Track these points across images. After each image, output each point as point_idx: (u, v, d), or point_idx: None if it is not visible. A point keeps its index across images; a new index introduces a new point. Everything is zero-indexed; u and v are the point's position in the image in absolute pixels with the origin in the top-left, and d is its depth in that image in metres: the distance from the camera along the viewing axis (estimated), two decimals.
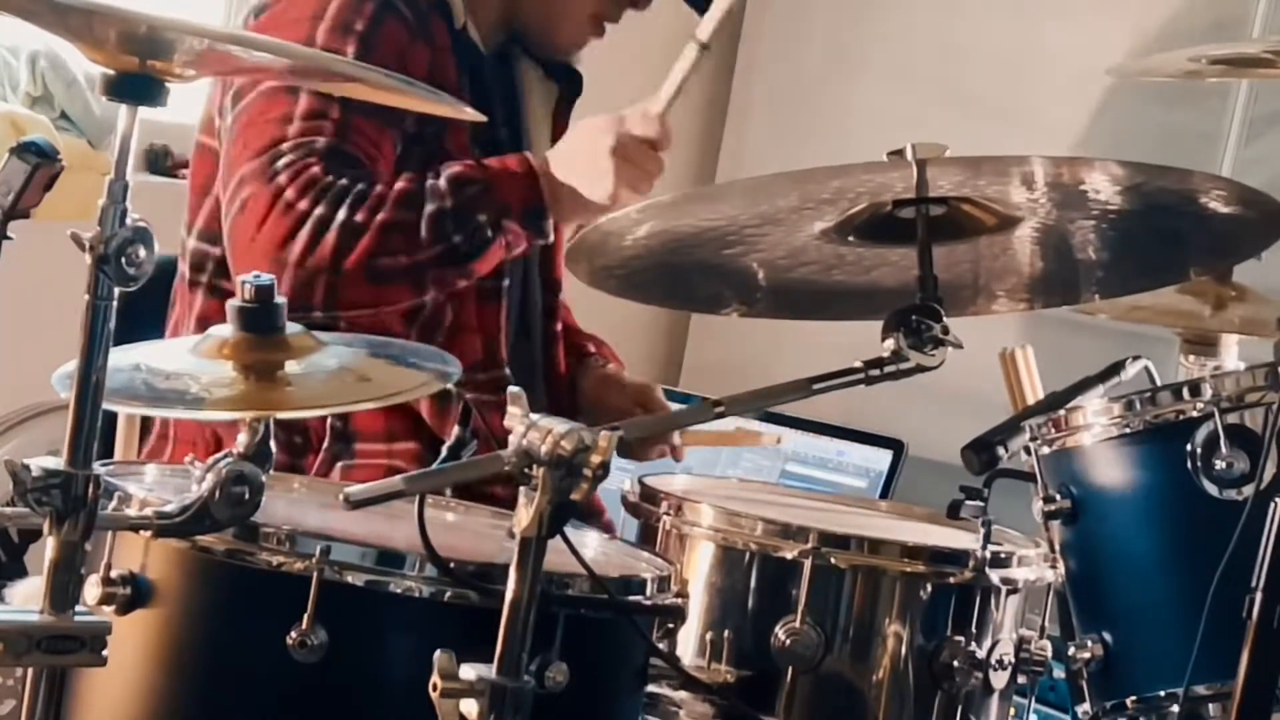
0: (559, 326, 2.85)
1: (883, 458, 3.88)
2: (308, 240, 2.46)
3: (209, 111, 2.67)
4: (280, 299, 1.96)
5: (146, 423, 2.71)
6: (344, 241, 2.46)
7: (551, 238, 2.59)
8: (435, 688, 1.71)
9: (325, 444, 2.61)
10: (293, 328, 1.97)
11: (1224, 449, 2.22)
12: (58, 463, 1.68)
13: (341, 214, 2.46)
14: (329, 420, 2.60)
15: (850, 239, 2.06)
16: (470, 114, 2.09)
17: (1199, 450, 2.23)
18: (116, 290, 1.68)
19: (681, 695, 2.16)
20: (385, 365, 2.03)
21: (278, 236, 2.46)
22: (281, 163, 2.49)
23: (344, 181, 2.48)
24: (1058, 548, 2.35)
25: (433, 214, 2.49)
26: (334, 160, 2.49)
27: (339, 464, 2.61)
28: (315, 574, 1.85)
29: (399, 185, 2.50)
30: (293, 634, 1.84)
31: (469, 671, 1.71)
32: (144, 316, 2.69)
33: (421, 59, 2.59)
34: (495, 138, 2.67)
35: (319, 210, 2.46)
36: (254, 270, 2.45)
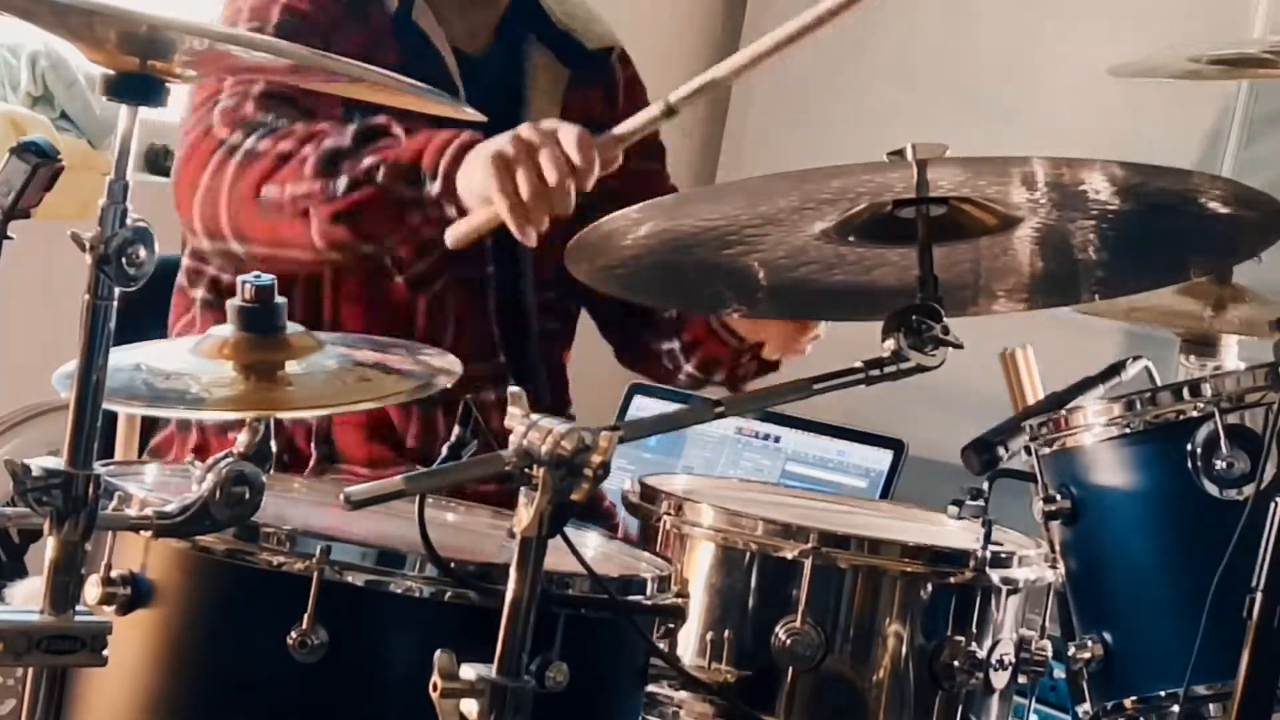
0: (559, 325, 2.80)
1: (883, 458, 3.88)
2: (217, 163, 2.45)
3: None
4: (280, 299, 1.96)
5: (148, 422, 2.71)
6: (243, 165, 2.44)
7: (434, 194, 2.38)
8: (435, 688, 1.71)
9: (310, 465, 2.60)
10: (293, 328, 1.97)
11: (1224, 449, 2.22)
12: (58, 463, 1.68)
13: (250, 141, 2.44)
14: (312, 444, 2.59)
15: (850, 239, 2.06)
16: (470, 114, 2.08)
17: (1199, 450, 2.24)
18: (116, 290, 1.68)
19: (681, 695, 2.16)
20: (385, 366, 2.03)
21: (198, 164, 2.47)
22: (218, 107, 2.49)
23: (270, 116, 2.46)
24: (1058, 548, 2.35)
25: (327, 149, 2.41)
26: (269, 100, 2.48)
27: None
28: (315, 574, 1.85)
29: (316, 125, 2.46)
30: (293, 634, 1.84)
31: (469, 671, 1.71)
32: (143, 317, 2.70)
33: (355, 40, 2.56)
34: (489, 128, 2.63)
35: (234, 137, 2.45)
36: (185, 204, 2.46)
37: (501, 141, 2.34)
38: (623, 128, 2.40)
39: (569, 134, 2.32)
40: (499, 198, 2.30)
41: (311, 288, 2.59)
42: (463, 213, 2.39)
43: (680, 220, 2.08)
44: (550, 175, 2.29)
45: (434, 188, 2.37)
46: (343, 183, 2.39)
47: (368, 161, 2.39)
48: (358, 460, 2.59)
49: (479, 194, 2.33)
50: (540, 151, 2.31)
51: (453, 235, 2.39)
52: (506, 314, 2.71)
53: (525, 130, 2.34)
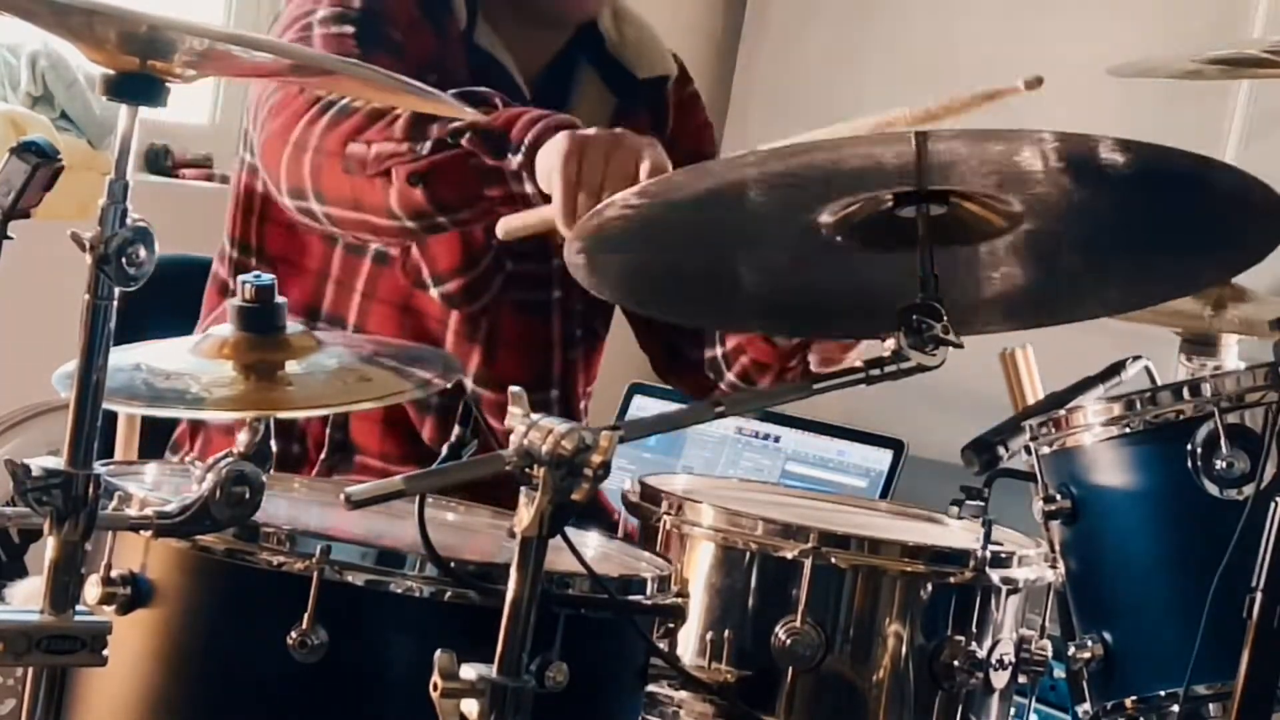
0: (579, 354, 2.76)
1: (883, 458, 3.88)
2: (311, 118, 2.41)
3: (246, 126, 2.65)
4: (280, 299, 1.96)
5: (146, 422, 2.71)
6: (335, 119, 2.39)
7: (514, 166, 2.33)
8: (435, 688, 1.71)
9: (323, 455, 2.60)
10: (293, 327, 1.97)
11: (1224, 449, 2.22)
12: (58, 463, 1.68)
13: (345, 99, 2.40)
14: (328, 431, 2.59)
15: (850, 240, 2.05)
16: (470, 114, 2.08)
17: (1199, 450, 2.24)
18: (116, 290, 1.68)
19: (681, 695, 2.16)
20: (385, 365, 2.04)
21: (291, 117, 2.43)
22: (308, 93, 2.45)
23: None
24: (1058, 548, 2.35)
25: (418, 112, 2.34)
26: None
27: (335, 476, 2.59)
28: (315, 574, 1.85)
29: None
30: (293, 634, 1.84)
31: (469, 671, 1.71)
32: (143, 316, 2.70)
33: (429, 43, 2.57)
34: None
35: (329, 95, 2.41)
36: (273, 159, 2.39)
37: (589, 131, 2.30)
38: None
39: (651, 155, 2.26)
40: (558, 175, 2.24)
41: (345, 286, 2.59)
42: (540, 194, 2.31)
43: (677, 221, 2.07)
44: (611, 184, 2.22)
45: (516, 160, 2.31)
46: (428, 145, 2.33)
47: (457, 124, 2.32)
48: (372, 452, 2.60)
49: (547, 171, 2.27)
50: (615, 157, 2.24)
51: (504, 227, 2.33)
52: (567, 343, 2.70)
53: (618, 132, 2.30)
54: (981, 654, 2.20)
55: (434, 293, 2.60)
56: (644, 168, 2.24)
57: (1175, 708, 2.24)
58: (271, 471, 1.84)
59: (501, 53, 2.65)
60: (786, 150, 1.88)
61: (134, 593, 1.89)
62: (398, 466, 2.56)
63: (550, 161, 2.26)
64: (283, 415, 2.25)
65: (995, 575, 2.21)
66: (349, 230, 2.44)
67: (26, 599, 2.31)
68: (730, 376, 2.74)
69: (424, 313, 2.61)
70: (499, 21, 2.67)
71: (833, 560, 2.17)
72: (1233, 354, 2.76)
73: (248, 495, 1.80)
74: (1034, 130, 1.87)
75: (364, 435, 2.60)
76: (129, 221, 1.67)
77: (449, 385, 1.99)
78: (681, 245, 2.07)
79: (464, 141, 2.32)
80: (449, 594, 1.87)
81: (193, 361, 1.93)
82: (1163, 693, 2.26)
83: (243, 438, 1.83)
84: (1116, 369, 2.48)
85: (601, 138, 2.26)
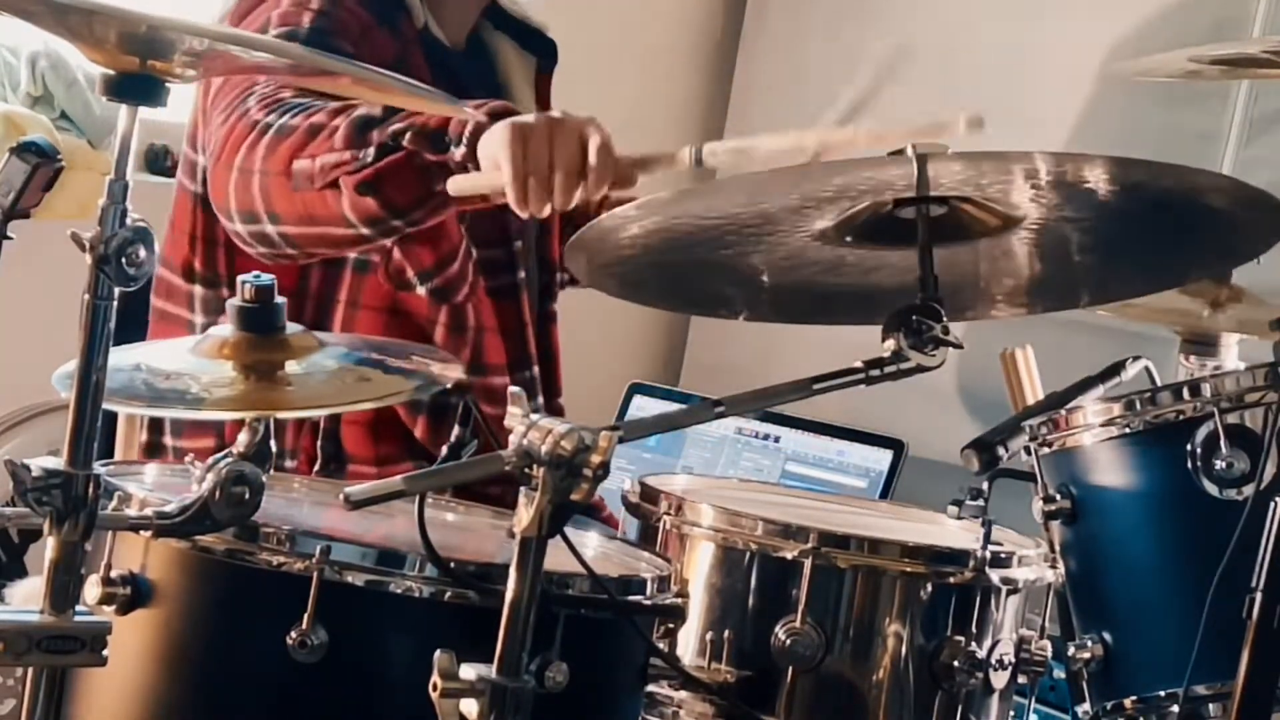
0: (555, 306, 2.83)
1: (883, 458, 3.88)
2: (251, 142, 2.42)
3: (185, 152, 2.67)
4: (280, 299, 1.96)
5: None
6: (275, 139, 2.41)
7: (458, 159, 2.34)
8: (435, 688, 1.71)
9: (316, 467, 2.60)
10: (293, 328, 1.97)
11: (1224, 449, 2.22)
12: (58, 463, 1.68)
13: (284, 118, 2.42)
14: (319, 444, 2.59)
15: (850, 241, 2.06)
16: (469, 112, 2.08)
17: (1199, 450, 2.24)
18: (116, 290, 1.68)
19: (681, 695, 2.16)
20: (385, 365, 2.03)
21: (234, 146, 2.44)
22: (254, 95, 2.46)
23: (306, 99, 2.43)
24: (1058, 548, 2.35)
25: (358, 118, 2.37)
26: (305, 94, 2.45)
27: None
28: (315, 574, 1.85)
29: (350, 100, 2.40)
30: (293, 634, 1.84)
31: (469, 671, 1.71)
32: (143, 316, 2.70)
33: (387, 46, 2.59)
34: None
35: (268, 117, 2.43)
36: (220, 188, 2.39)
37: (529, 116, 2.32)
38: (647, 155, 2.36)
39: (595, 137, 2.29)
40: (505, 163, 2.27)
41: (325, 298, 2.59)
42: None
43: (678, 218, 2.08)
44: (560, 164, 2.27)
45: (459, 151, 2.33)
46: (371, 151, 2.35)
47: (395, 127, 2.34)
48: (366, 459, 2.60)
49: (492, 157, 2.30)
50: (559, 139, 2.28)
51: (454, 185, 2.35)
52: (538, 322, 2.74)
53: (556, 115, 2.32)
54: (981, 654, 2.20)
55: (421, 290, 2.61)
56: (592, 145, 2.27)
57: (1175, 708, 2.24)
58: (271, 471, 1.84)
59: (439, 33, 2.69)
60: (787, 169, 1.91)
61: (134, 593, 1.89)
62: (394, 468, 2.57)
63: (493, 150, 2.29)
64: (283, 415, 2.26)
65: (995, 575, 2.21)
66: (307, 246, 2.45)
67: (26, 599, 2.31)
68: None
69: (411, 312, 2.62)
70: (434, 7, 2.71)
71: (833, 560, 2.17)
72: (1233, 354, 2.76)
73: (248, 495, 1.80)
74: (1026, 152, 1.89)
75: (355, 443, 2.60)
76: (129, 221, 1.67)
77: (449, 384, 1.99)
78: (682, 245, 2.07)
79: (405, 142, 2.34)
80: (449, 594, 1.87)
81: (193, 361, 1.93)
82: (1163, 693, 2.26)
83: (243, 438, 1.83)
84: (1116, 369, 2.48)
85: (541, 122, 2.29)
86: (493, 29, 2.82)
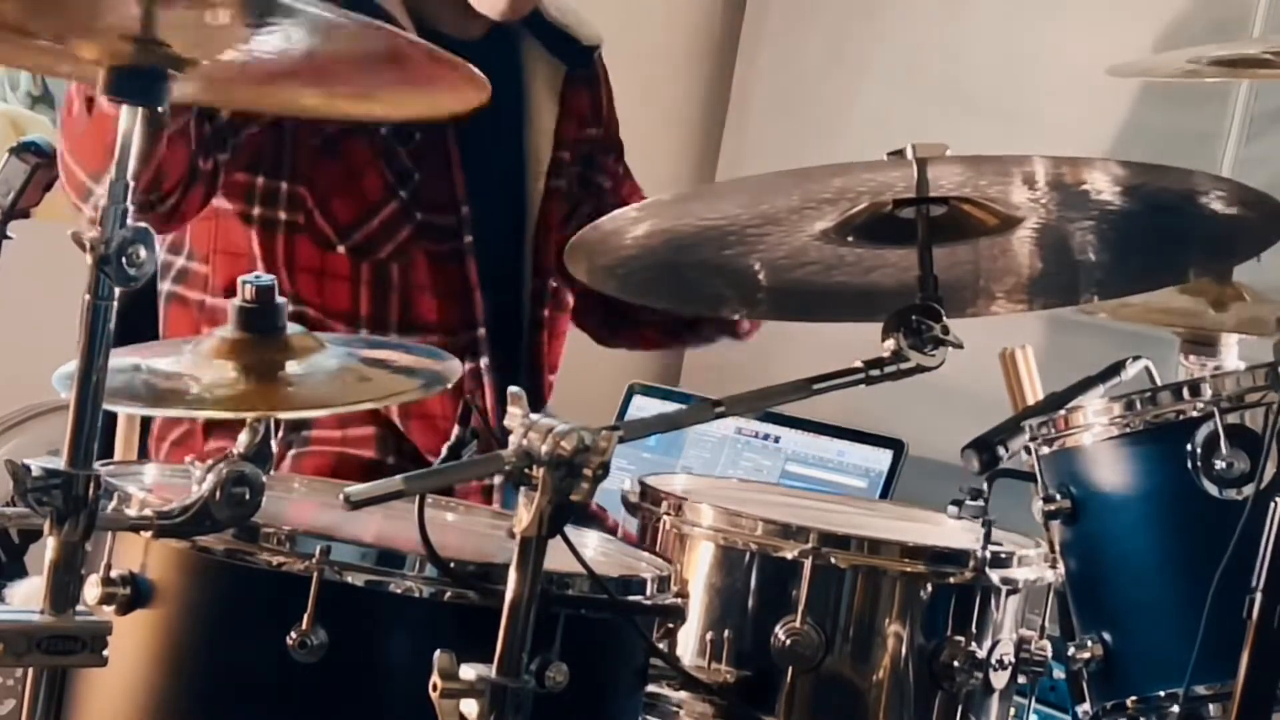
0: (546, 313, 2.83)
1: (883, 458, 3.88)
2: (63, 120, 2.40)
3: None
4: (281, 299, 1.96)
5: (147, 422, 2.72)
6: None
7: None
8: (435, 688, 1.71)
9: (280, 434, 2.61)
10: (293, 328, 1.97)
11: (1224, 449, 2.22)
12: (58, 463, 1.68)
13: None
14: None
15: (850, 240, 2.06)
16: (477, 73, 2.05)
17: (1199, 450, 2.24)
18: (116, 290, 1.68)
19: (681, 695, 2.16)
20: (385, 365, 2.04)
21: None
22: None
23: None
24: (1058, 548, 2.35)
25: None
26: None
27: (291, 452, 2.62)
28: (315, 574, 1.85)
29: None
30: (293, 634, 1.84)
31: (469, 671, 1.71)
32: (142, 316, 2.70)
33: None
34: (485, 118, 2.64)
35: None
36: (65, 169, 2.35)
37: None
38: None
39: None
40: None
41: (268, 264, 2.64)
42: None
43: (680, 220, 2.08)
44: None
45: None
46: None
47: None
48: (329, 423, 2.64)
49: None
50: None
51: None
52: (495, 289, 2.74)
53: None
54: (981, 654, 2.20)
55: (340, 249, 2.66)
56: None
57: (1175, 708, 2.24)
58: (272, 471, 1.84)
59: (400, 10, 2.70)
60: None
61: (134, 593, 1.89)
62: (356, 430, 2.63)
63: None
64: (283, 416, 2.26)
65: (995, 575, 2.21)
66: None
67: (26, 599, 2.31)
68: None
69: (336, 274, 2.66)
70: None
71: (833, 560, 2.17)
72: (1233, 354, 2.76)
73: (248, 495, 1.80)
74: (1024, 156, 1.89)
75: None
76: (129, 221, 1.67)
77: (449, 385, 1.99)
78: (682, 245, 2.08)
79: None
80: (449, 594, 1.87)
81: (193, 361, 1.93)
82: (1163, 693, 2.26)
83: (243, 438, 1.83)
84: (1116, 369, 2.48)
85: None
86: (526, 32, 2.82)
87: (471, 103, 1.84)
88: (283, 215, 2.65)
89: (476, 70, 1.80)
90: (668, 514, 2.25)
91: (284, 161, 2.65)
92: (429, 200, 2.69)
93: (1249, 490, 2.18)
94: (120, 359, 1.84)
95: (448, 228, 2.71)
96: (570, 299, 2.89)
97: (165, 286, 2.73)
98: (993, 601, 2.22)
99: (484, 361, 2.70)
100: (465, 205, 2.71)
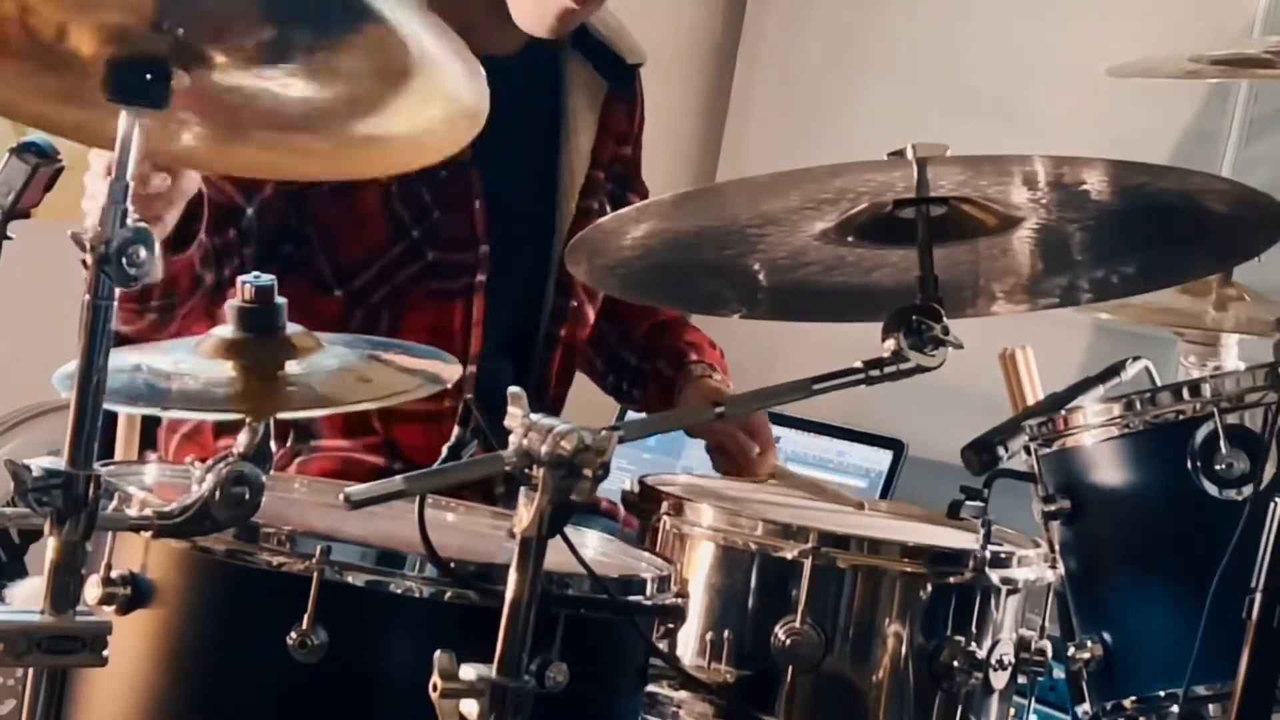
0: (563, 331, 2.80)
1: (883, 458, 3.88)
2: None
3: None
4: (280, 300, 1.96)
5: (148, 422, 2.72)
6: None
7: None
8: (435, 688, 1.71)
9: (289, 442, 2.61)
10: (293, 328, 1.97)
11: (1224, 449, 2.22)
12: (58, 463, 1.68)
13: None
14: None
15: (850, 240, 2.06)
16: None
17: (1199, 450, 2.24)
18: (116, 290, 1.68)
19: (681, 695, 2.16)
20: (384, 365, 2.03)
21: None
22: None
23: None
24: (1058, 548, 2.35)
25: None
26: None
27: (297, 460, 2.61)
28: (315, 574, 1.85)
29: None
30: (293, 634, 1.84)
31: (469, 671, 1.71)
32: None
33: None
34: (516, 135, 2.62)
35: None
36: None
37: None
38: None
39: None
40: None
41: None
42: None
43: (680, 220, 2.08)
44: None
45: None
46: None
47: None
48: (335, 430, 2.63)
49: None
50: None
51: None
52: (511, 310, 2.72)
53: None
54: (981, 654, 2.20)
55: (338, 292, 2.62)
56: None
57: (1175, 708, 2.24)
58: (272, 471, 1.84)
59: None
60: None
61: (134, 593, 1.89)
62: (362, 438, 2.61)
63: None
64: (283, 416, 2.25)
65: (995, 575, 2.21)
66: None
67: (26, 599, 2.30)
68: (631, 391, 2.98)
69: (325, 315, 2.58)
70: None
71: (833, 560, 2.17)
72: (1233, 354, 2.76)
73: (248, 495, 1.80)
74: (1024, 156, 1.89)
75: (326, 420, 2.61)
76: (129, 222, 1.67)
77: (449, 385, 1.99)
78: (683, 245, 2.08)
79: None
80: (449, 594, 1.87)
81: (193, 361, 1.93)
82: (1163, 693, 2.26)
83: (243, 438, 1.83)
84: (1116, 369, 2.48)
85: None
86: (568, 46, 2.78)
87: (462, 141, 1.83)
88: (287, 248, 2.61)
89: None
90: (668, 514, 2.26)
91: (299, 206, 2.60)
92: (445, 239, 2.64)
93: (1249, 490, 2.18)
94: (120, 359, 1.84)
95: (462, 265, 2.65)
96: (591, 316, 2.84)
97: None
98: (992, 601, 2.22)
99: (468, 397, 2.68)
100: (485, 244, 2.66)
